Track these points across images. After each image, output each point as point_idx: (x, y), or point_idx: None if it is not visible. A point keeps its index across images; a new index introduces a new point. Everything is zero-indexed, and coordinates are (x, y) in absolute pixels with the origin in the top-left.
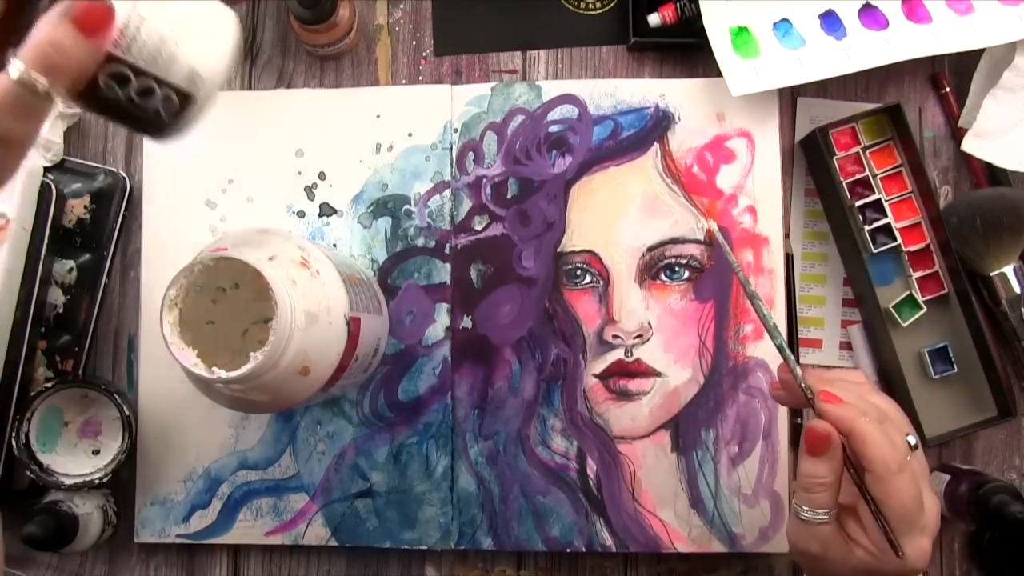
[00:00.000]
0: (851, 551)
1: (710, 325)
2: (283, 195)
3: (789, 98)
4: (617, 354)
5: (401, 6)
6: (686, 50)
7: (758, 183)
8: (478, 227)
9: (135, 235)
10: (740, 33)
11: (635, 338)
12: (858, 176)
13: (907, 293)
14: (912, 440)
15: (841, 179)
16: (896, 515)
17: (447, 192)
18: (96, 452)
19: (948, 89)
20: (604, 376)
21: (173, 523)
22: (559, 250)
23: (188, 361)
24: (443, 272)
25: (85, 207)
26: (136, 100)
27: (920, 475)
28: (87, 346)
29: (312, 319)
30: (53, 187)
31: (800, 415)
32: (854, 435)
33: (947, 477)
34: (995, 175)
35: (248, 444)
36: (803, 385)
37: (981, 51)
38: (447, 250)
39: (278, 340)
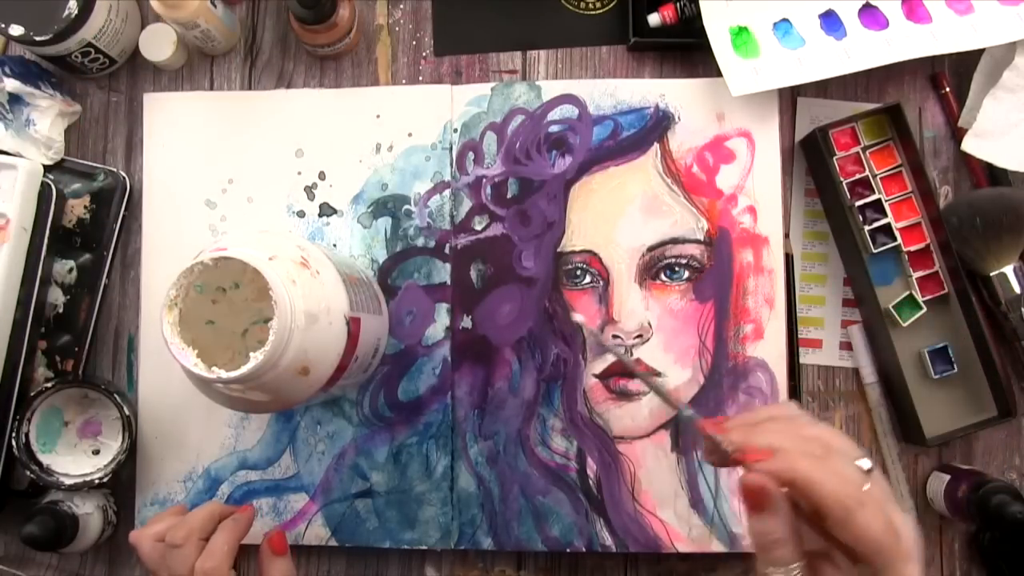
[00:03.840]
0: None
1: (710, 325)
2: (283, 195)
3: (789, 98)
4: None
5: (401, 6)
6: (686, 50)
7: (758, 183)
8: (478, 227)
9: (135, 235)
10: (740, 33)
11: (635, 338)
12: (858, 176)
13: (907, 293)
14: (865, 465)
15: (841, 179)
16: (872, 552)
17: (447, 192)
18: (96, 452)
19: (948, 89)
20: (604, 376)
21: None
22: (559, 250)
23: (188, 361)
24: (443, 272)
25: (85, 207)
26: None
27: (884, 499)
28: (87, 346)
29: (312, 319)
30: (53, 187)
31: None
32: (796, 483)
33: (947, 477)
34: (995, 175)
35: (248, 444)
36: (726, 448)
37: (981, 51)
38: (447, 250)
39: (278, 340)
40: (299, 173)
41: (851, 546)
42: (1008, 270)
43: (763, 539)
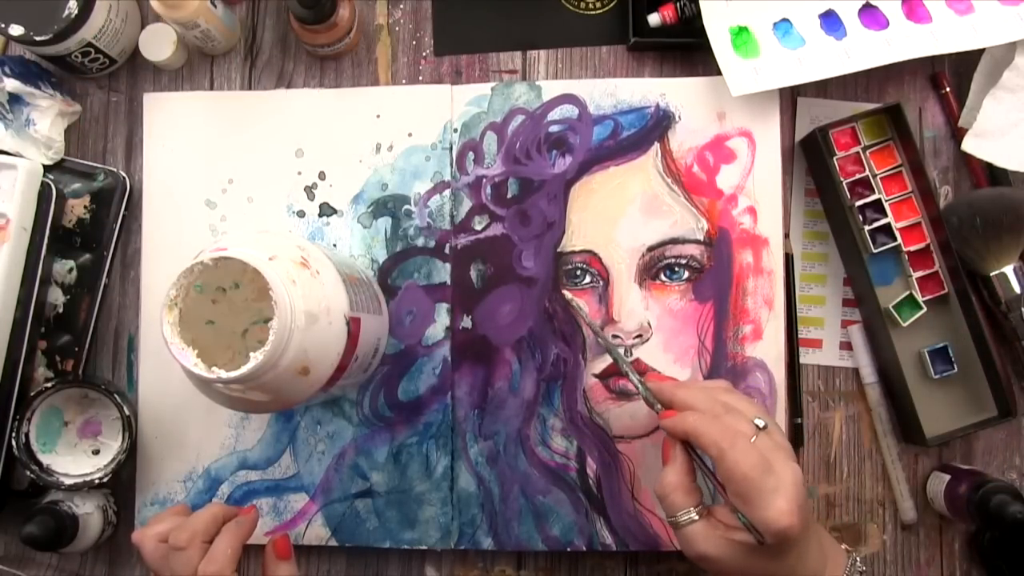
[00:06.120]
0: (733, 537)
1: (709, 325)
2: (283, 195)
3: (789, 98)
4: None
5: (401, 6)
6: (686, 50)
7: (758, 183)
8: (478, 227)
9: (135, 235)
10: (740, 33)
11: (635, 338)
12: (858, 176)
13: (907, 293)
14: (760, 423)
15: (841, 179)
16: (742, 483)
17: (447, 192)
18: (96, 452)
19: (948, 89)
20: (604, 376)
21: None
22: (559, 250)
23: (188, 361)
24: (443, 272)
25: (85, 207)
26: None
27: (769, 448)
28: (87, 346)
29: (312, 319)
30: (53, 187)
31: (800, 415)
32: (688, 434)
33: (947, 477)
34: (995, 175)
35: (248, 444)
36: (654, 404)
37: (981, 51)
38: (447, 250)
39: (278, 340)
40: (299, 173)
41: (727, 480)
42: (1008, 270)
43: (664, 488)
